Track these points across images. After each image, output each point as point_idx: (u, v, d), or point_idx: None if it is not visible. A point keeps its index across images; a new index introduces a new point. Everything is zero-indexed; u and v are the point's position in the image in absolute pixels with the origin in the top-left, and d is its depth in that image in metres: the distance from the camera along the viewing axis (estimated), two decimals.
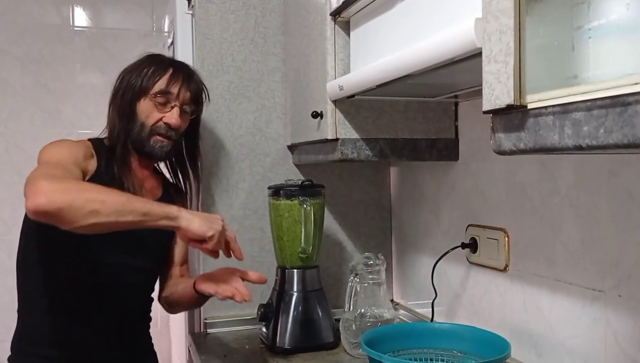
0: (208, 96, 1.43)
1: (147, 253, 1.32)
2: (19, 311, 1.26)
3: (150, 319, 1.41)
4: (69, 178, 1.07)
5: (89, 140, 1.30)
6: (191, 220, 1.07)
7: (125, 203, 1.01)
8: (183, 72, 1.31)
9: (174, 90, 1.28)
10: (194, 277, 1.35)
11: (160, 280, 1.41)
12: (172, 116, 1.27)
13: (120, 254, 1.26)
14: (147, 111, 1.27)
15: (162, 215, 1.05)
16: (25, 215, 1.18)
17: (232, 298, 1.15)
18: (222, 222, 1.13)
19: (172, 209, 1.07)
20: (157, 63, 1.31)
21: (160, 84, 1.27)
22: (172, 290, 1.37)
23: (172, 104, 1.28)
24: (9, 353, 1.26)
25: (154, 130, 1.28)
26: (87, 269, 1.22)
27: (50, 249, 1.21)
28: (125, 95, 1.28)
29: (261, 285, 1.64)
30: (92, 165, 1.23)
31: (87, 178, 1.18)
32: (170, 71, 1.29)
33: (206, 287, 1.21)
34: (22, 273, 1.26)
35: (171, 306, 1.39)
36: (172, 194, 1.41)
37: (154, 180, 1.38)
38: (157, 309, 1.42)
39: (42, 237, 1.21)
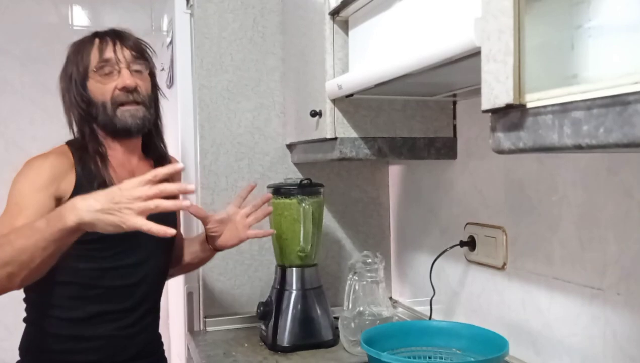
0: (152, 49, 1.31)
1: (155, 246, 1.27)
2: (26, 320, 1.24)
3: (159, 316, 1.38)
4: None
5: (68, 144, 1.24)
6: (88, 216, 0.93)
7: (25, 248, 0.95)
8: (110, 35, 1.22)
9: (110, 54, 1.19)
10: (193, 240, 1.42)
11: (174, 255, 1.42)
12: (124, 78, 1.19)
13: (130, 255, 1.23)
14: (99, 88, 1.20)
15: (59, 231, 0.94)
16: None
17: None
18: (127, 191, 0.93)
19: (66, 217, 0.94)
20: (80, 43, 1.23)
21: (95, 58, 1.20)
22: (183, 257, 1.43)
23: (118, 68, 1.20)
24: (8, 352, 1.26)
25: (116, 102, 1.19)
26: (97, 274, 1.20)
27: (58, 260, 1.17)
28: (73, 91, 1.21)
29: (261, 285, 1.66)
30: (69, 181, 1.16)
31: (66, 197, 1.13)
32: (97, 41, 1.21)
33: (231, 241, 1.33)
34: (32, 284, 1.21)
35: (175, 272, 1.44)
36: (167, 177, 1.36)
37: (144, 166, 1.30)
38: None
39: None
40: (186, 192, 1.03)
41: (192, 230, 1.64)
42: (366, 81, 1.11)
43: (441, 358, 1.13)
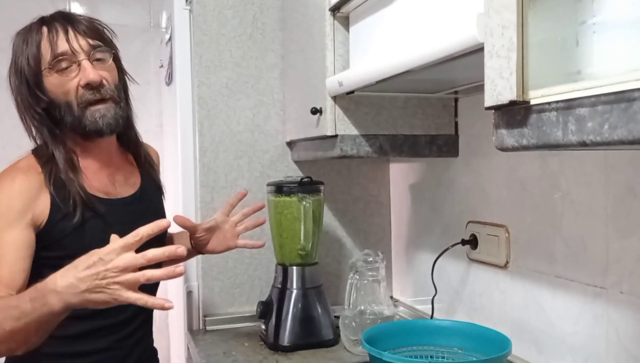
0: (111, 30, 1.14)
1: (150, 248, 1.24)
2: None
3: (152, 323, 1.33)
4: None
5: (35, 153, 1.09)
6: (74, 299, 0.86)
7: (16, 331, 0.90)
8: (59, 21, 1.06)
9: (64, 46, 1.03)
10: (181, 235, 1.37)
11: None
12: (85, 74, 1.03)
13: None
14: (59, 87, 1.04)
15: (47, 312, 0.87)
16: None
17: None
18: (110, 266, 0.84)
19: (49, 302, 0.87)
20: (27, 33, 1.07)
21: (46, 52, 1.03)
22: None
23: (77, 62, 1.04)
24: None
25: (82, 102, 1.04)
26: None
27: (47, 269, 1.07)
28: (25, 89, 1.06)
29: (261, 284, 1.65)
30: (43, 203, 1.03)
31: (42, 223, 1.03)
32: (45, 30, 1.05)
33: (218, 248, 1.31)
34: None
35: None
36: (149, 169, 1.26)
37: (124, 168, 1.20)
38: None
39: (38, 270, 1.06)
40: (175, 258, 0.88)
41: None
42: (367, 78, 1.10)
43: (443, 357, 1.13)
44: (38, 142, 1.10)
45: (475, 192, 1.37)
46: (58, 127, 1.08)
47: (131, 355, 1.22)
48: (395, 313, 1.51)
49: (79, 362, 1.15)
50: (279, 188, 1.46)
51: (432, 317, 1.46)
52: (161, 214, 1.28)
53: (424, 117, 1.40)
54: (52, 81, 1.05)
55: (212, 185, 1.63)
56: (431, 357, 1.13)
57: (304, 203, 1.42)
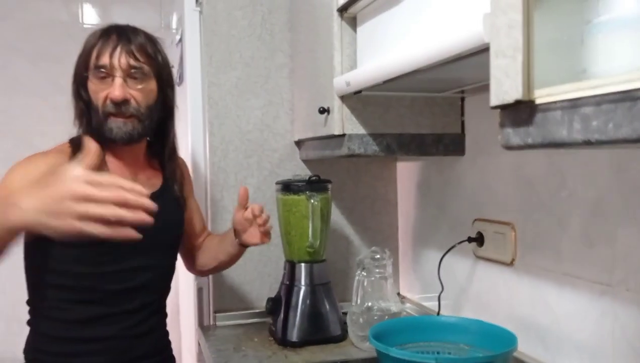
0: (162, 53, 1.21)
1: (158, 251, 1.26)
2: (29, 322, 1.23)
3: (166, 314, 1.36)
4: None
5: (70, 141, 1.19)
6: (31, 216, 0.83)
7: None
8: (115, 36, 1.14)
9: (105, 60, 1.12)
10: (217, 236, 1.42)
11: (186, 254, 1.43)
12: (114, 89, 1.11)
13: (130, 259, 1.19)
14: (93, 92, 1.14)
15: (6, 229, 0.87)
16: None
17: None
18: (71, 191, 0.79)
19: (10, 214, 0.85)
20: (92, 35, 1.17)
21: (93, 58, 1.13)
22: (206, 260, 1.42)
23: (111, 76, 1.12)
24: (14, 347, 1.25)
25: (105, 111, 1.13)
26: (97, 278, 1.17)
27: (56, 262, 1.15)
28: (75, 83, 1.17)
29: (270, 280, 1.66)
30: None
31: None
32: (100, 41, 1.14)
33: (252, 239, 1.30)
34: (30, 287, 1.21)
35: (209, 272, 1.47)
36: (174, 179, 1.31)
37: (149, 168, 1.27)
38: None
39: (45, 251, 1.14)
40: (146, 209, 0.83)
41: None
42: (374, 78, 1.11)
43: (449, 353, 1.13)
44: (77, 128, 1.19)
45: (482, 190, 1.38)
46: (90, 122, 1.17)
47: (141, 345, 1.24)
48: (403, 309, 1.52)
49: (87, 347, 1.19)
50: (288, 187, 1.47)
51: (438, 313, 1.47)
52: (172, 221, 1.30)
53: (431, 116, 1.41)
54: (91, 84, 1.15)
55: (222, 184, 1.65)
56: (438, 353, 1.14)
57: (312, 201, 1.44)
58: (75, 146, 1.16)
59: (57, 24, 2.46)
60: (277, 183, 1.52)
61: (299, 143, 1.70)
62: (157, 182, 1.28)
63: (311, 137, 1.52)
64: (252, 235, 1.31)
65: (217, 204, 1.64)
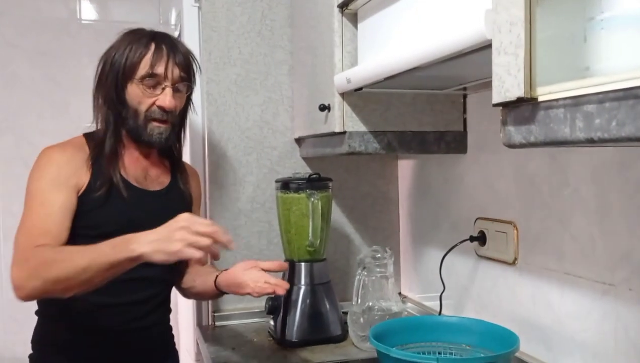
0: (199, 66, 1.31)
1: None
2: (37, 312, 1.26)
3: (170, 309, 1.38)
4: (37, 250, 1.05)
5: (86, 136, 1.24)
6: (147, 247, 0.97)
7: (88, 268, 0.99)
8: (166, 47, 1.20)
9: (160, 70, 1.18)
10: (212, 271, 1.34)
11: (179, 269, 1.40)
12: (165, 99, 1.18)
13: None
14: (138, 97, 1.19)
15: (124, 258, 0.98)
16: None
17: (273, 293, 1.21)
18: (185, 226, 0.97)
19: (130, 247, 0.97)
20: (137, 40, 1.20)
21: (145, 66, 1.17)
22: (191, 283, 1.37)
23: (163, 86, 1.19)
24: (20, 346, 1.27)
25: (149, 116, 1.19)
26: None
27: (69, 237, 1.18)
28: (110, 81, 1.20)
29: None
30: (85, 173, 1.17)
31: (80, 192, 1.16)
32: (152, 48, 1.18)
33: (236, 289, 1.24)
34: None
35: (188, 296, 1.41)
36: (181, 180, 1.36)
37: (159, 167, 1.32)
38: None
39: None
40: (229, 247, 1.01)
41: None
42: (375, 74, 1.10)
43: (451, 353, 1.13)
44: (98, 125, 1.24)
45: (484, 189, 1.36)
46: (119, 123, 1.22)
47: (145, 337, 1.27)
48: (404, 309, 1.51)
49: (93, 337, 1.22)
50: (288, 185, 1.46)
51: (440, 313, 1.46)
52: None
53: (433, 114, 1.40)
54: (134, 89, 1.19)
55: (221, 182, 1.64)
56: (439, 353, 1.13)
57: (313, 199, 1.43)
58: (91, 141, 1.22)
59: (55, 20, 2.45)
60: (276, 181, 1.51)
61: (299, 140, 1.69)
62: (165, 180, 1.32)
63: (311, 134, 1.51)
64: (261, 288, 1.23)
65: (215, 202, 1.63)
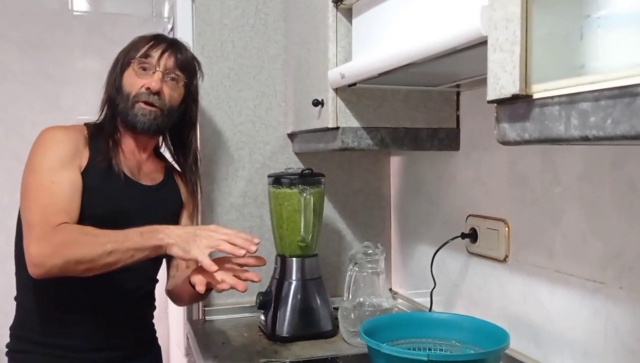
0: (200, 69, 1.34)
1: None
2: (16, 299, 1.25)
3: (154, 306, 1.38)
4: (59, 229, 1.06)
5: (85, 124, 1.27)
6: (173, 239, 1.05)
7: (114, 252, 1.03)
8: (167, 41, 1.27)
9: (154, 54, 1.23)
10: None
11: (167, 271, 1.38)
12: (152, 80, 1.21)
13: None
14: (130, 80, 1.23)
15: (151, 246, 1.05)
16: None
17: (234, 288, 1.07)
18: (210, 234, 1.06)
19: (158, 236, 1.05)
20: (142, 36, 1.28)
21: (143, 50, 1.23)
22: (174, 284, 1.32)
23: (153, 70, 1.23)
24: (8, 339, 1.26)
25: (136, 98, 1.22)
26: None
27: None
28: (114, 71, 1.26)
29: (260, 274, 1.64)
30: (84, 156, 1.19)
31: (80, 171, 1.17)
32: (153, 40, 1.25)
33: (199, 280, 1.10)
34: (18, 262, 1.22)
35: (174, 301, 1.36)
36: (176, 180, 1.37)
37: (153, 163, 1.33)
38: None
39: None
40: (248, 250, 1.07)
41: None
42: (369, 70, 1.10)
43: (441, 350, 1.13)
44: (101, 115, 1.27)
45: (476, 186, 1.37)
46: (115, 111, 1.25)
47: (125, 331, 1.27)
48: (394, 305, 1.51)
49: (72, 328, 1.21)
50: (280, 180, 1.46)
51: (430, 309, 1.47)
52: (168, 211, 1.33)
53: (426, 110, 1.40)
54: (128, 74, 1.23)
55: (213, 176, 1.63)
56: (429, 349, 1.13)
57: (305, 195, 1.42)
58: (90, 130, 1.24)
59: (47, 11, 2.42)
60: (269, 176, 1.51)
61: (291, 135, 1.68)
62: (157, 176, 1.33)
63: (304, 129, 1.51)
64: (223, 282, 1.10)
65: (207, 197, 1.62)
